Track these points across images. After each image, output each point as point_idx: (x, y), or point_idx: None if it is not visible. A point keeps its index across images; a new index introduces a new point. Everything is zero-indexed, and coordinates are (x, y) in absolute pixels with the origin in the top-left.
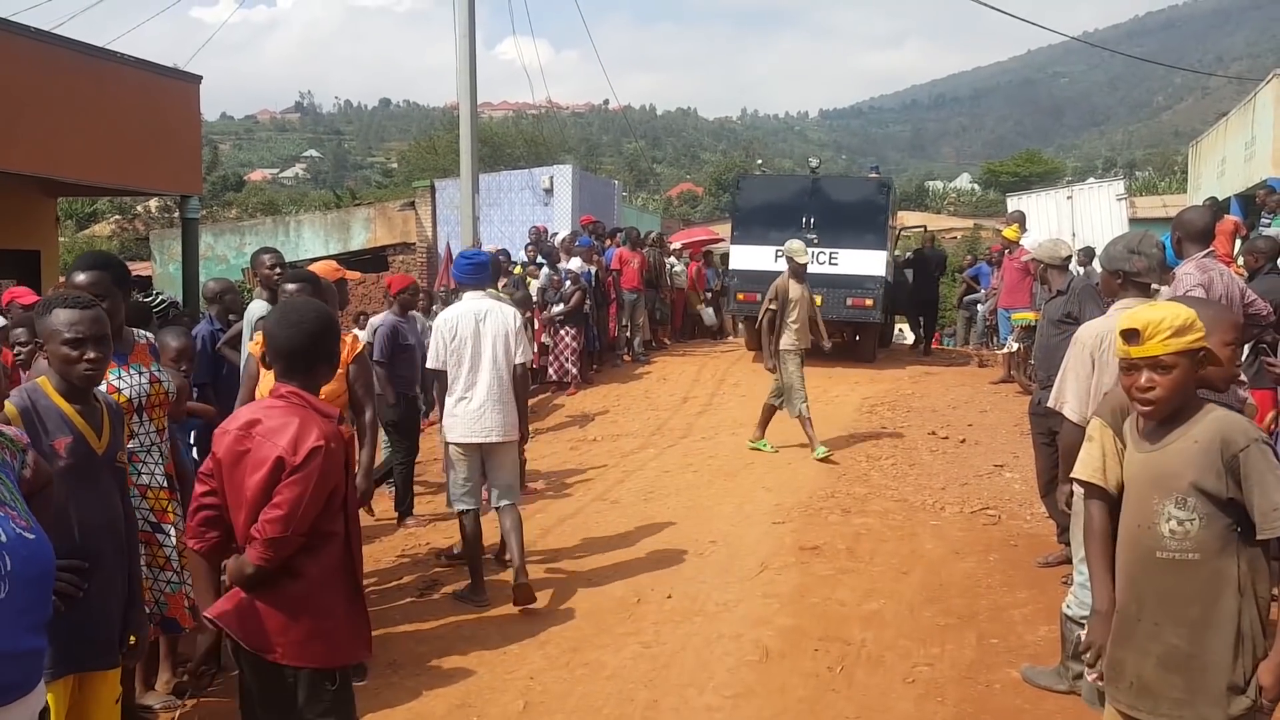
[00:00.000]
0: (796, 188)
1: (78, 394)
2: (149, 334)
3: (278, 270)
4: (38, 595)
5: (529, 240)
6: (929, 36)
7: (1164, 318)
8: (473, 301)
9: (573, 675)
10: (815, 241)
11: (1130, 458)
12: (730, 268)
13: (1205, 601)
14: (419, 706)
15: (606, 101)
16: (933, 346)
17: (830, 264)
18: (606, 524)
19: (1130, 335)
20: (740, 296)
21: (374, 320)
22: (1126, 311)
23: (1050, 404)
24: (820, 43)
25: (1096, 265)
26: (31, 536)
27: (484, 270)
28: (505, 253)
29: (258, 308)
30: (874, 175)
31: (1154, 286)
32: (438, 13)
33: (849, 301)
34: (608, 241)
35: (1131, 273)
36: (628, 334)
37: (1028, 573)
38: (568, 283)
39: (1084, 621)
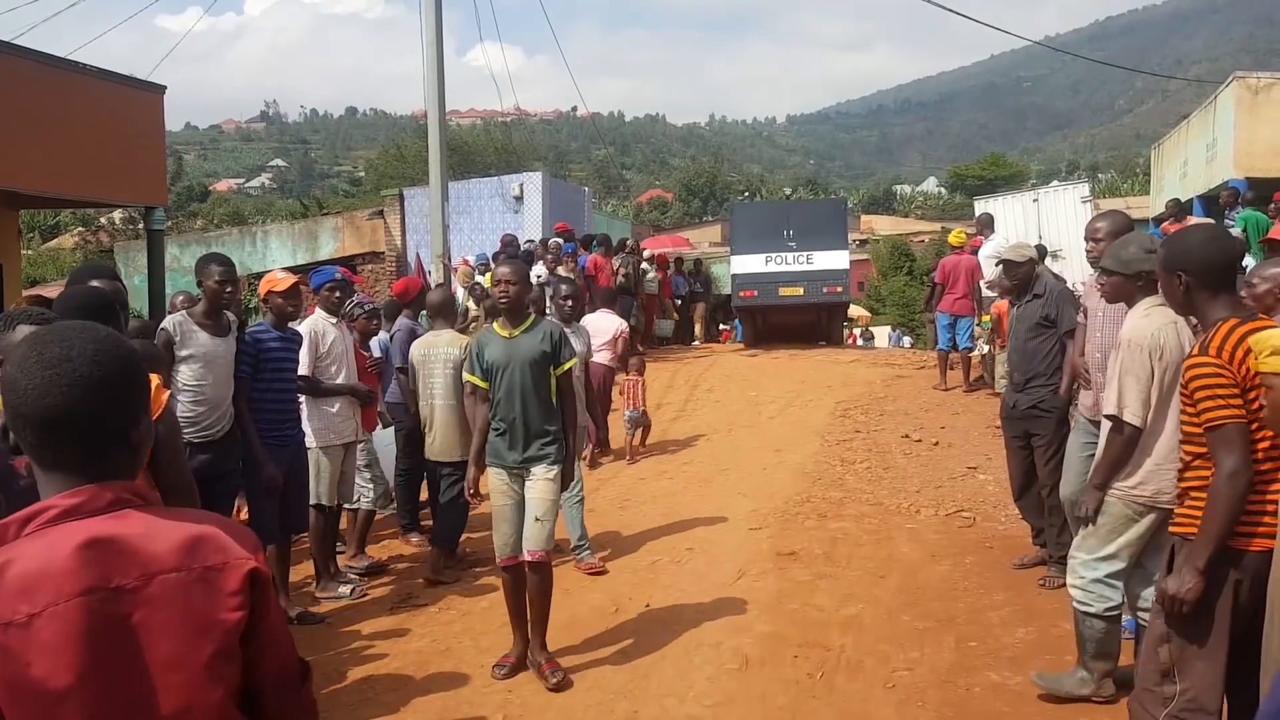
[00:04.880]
0: (777, 209)
1: None
2: None
3: (228, 288)
4: None
5: (498, 249)
6: (894, 42)
7: None
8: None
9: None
10: (794, 247)
11: None
12: (732, 273)
13: None
14: None
15: (575, 108)
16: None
17: (808, 263)
18: None
19: None
20: (742, 294)
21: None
22: (1269, 329)
23: (1107, 410)
24: (787, 49)
25: (1052, 265)
26: None
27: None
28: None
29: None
30: (834, 197)
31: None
32: (405, 20)
33: (824, 289)
34: (580, 249)
35: (1151, 271)
36: None
37: (1004, 575)
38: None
39: (1107, 615)
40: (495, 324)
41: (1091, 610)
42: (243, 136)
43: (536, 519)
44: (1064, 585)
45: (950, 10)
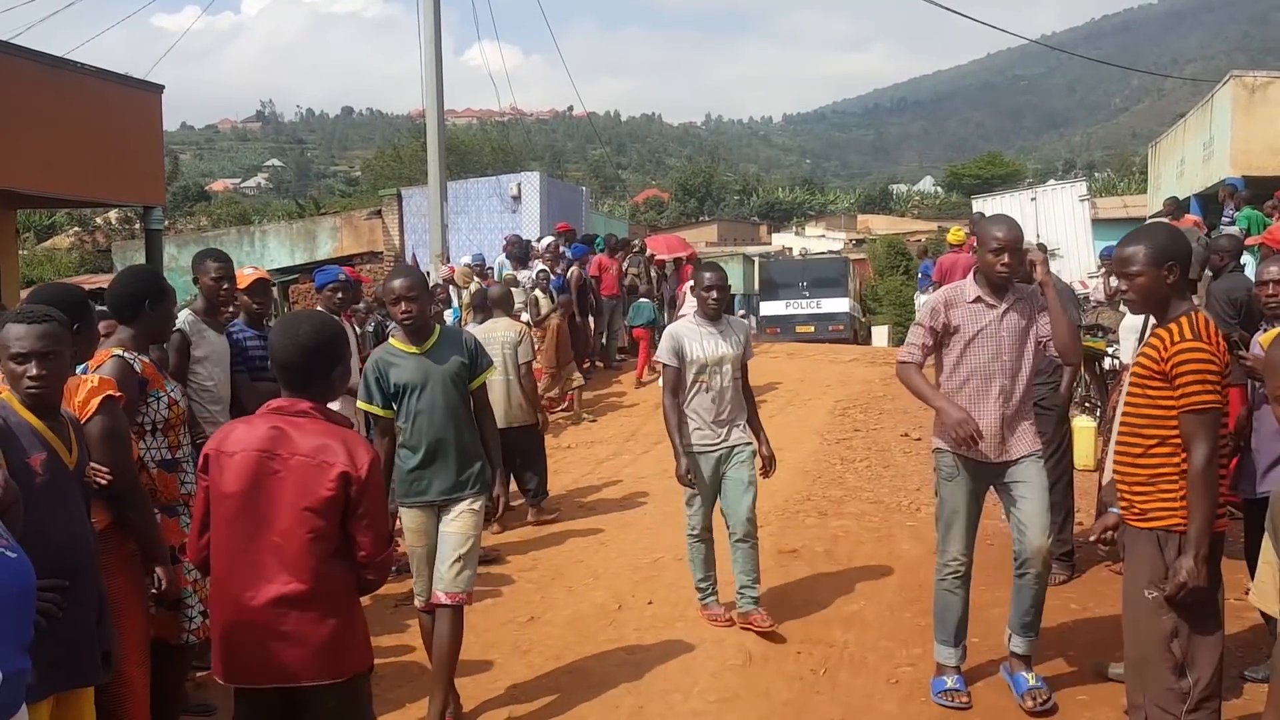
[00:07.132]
0: (796, 265)
1: (46, 410)
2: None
3: (225, 284)
4: (21, 615)
5: (502, 250)
6: (890, 41)
7: None
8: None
9: (556, 684)
10: (808, 295)
11: None
12: (761, 315)
13: None
14: (403, 718)
15: (571, 108)
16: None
17: (818, 307)
18: (584, 531)
19: None
20: (768, 330)
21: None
22: None
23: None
24: (784, 48)
25: (1050, 263)
26: (13, 555)
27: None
28: (480, 257)
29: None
30: (838, 255)
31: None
32: (402, 20)
33: (830, 328)
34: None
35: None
36: (603, 340)
37: (1005, 572)
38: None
39: None
40: (393, 340)
41: None
42: (238, 136)
43: (459, 559)
44: (1065, 581)
45: (947, 9)
